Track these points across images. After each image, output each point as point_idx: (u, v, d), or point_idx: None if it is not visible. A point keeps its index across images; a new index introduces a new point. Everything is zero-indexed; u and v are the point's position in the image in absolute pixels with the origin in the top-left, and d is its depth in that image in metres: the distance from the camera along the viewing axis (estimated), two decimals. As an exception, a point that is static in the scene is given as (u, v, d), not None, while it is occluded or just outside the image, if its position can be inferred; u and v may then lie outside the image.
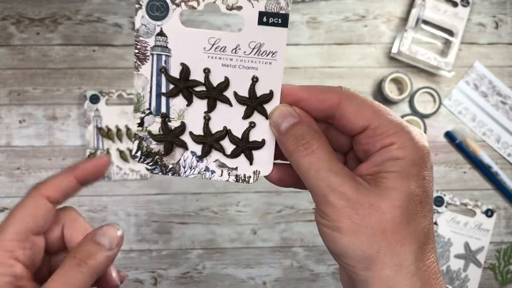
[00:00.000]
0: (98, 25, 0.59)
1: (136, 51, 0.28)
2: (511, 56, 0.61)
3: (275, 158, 0.28)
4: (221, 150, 0.29)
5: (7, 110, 0.59)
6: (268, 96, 0.28)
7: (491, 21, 0.61)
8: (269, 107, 0.28)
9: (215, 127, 0.29)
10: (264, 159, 0.29)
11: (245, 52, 0.28)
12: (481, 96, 0.61)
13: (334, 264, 0.60)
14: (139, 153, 0.29)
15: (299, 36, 0.60)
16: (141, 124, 0.29)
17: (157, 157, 0.29)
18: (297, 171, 0.25)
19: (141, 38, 0.27)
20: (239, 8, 0.27)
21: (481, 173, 0.61)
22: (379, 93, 0.60)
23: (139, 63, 0.28)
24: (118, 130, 0.58)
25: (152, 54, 0.28)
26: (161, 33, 0.27)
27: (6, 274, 0.25)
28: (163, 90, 0.28)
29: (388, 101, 0.60)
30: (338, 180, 0.23)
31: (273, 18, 0.27)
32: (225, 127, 0.29)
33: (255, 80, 0.28)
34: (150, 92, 0.28)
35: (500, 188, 0.60)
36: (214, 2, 0.26)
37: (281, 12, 0.27)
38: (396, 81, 0.60)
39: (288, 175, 0.27)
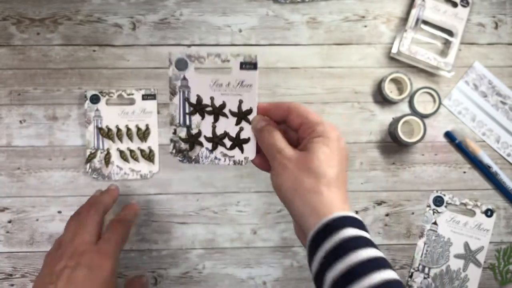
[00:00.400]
0: (98, 26, 0.59)
1: (170, 89, 0.46)
2: (511, 56, 0.61)
3: (257, 152, 0.44)
4: (223, 145, 0.46)
5: (7, 110, 0.59)
6: (249, 111, 0.45)
7: (491, 21, 0.61)
8: (250, 117, 0.45)
9: (219, 131, 0.46)
10: (250, 149, 0.45)
11: (233, 85, 0.45)
12: (481, 96, 0.61)
13: (334, 264, 0.60)
14: (174, 151, 0.47)
15: (299, 36, 0.60)
16: (174, 132, 0.47)
17: (185, 152, 0.47)
18: (263, 149, 0.41)
19: (173, 82, 0.45)
20: (228, 61, 0.44)
21: (481, 173, 0.61)
22: (379, 93, 0.60)
23: (172, 96, 0.46)
24: (119, 130, 0.59)
25: (179, 90, 0.46)
26: (184, 78, 0.45)
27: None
28: (187, 111, 0.46)
29: (388, 101, 0.60)
30: (282, 147, 0.39)
31: (248, 65, 0.44)
32: (225, 131, 0.46)
33: (241, 101, 0.45)
34: (179, 113, 0.46)
35: (500, 188, 0.60)
36: (214, 58, 0.44)
37: (252, 61, 0.44)
38: (396, 81, 0.61)
39: (265, 161, 0.42)
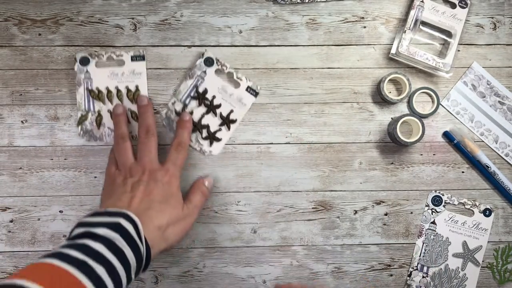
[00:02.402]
0: (99, 26, 0.60)
1: (190, 73, 0.59)
2: (509, 57, 0.62)
3: None
4: (200, 133, 0.59)
5: (9, 110, 0.59)
6: (234, 120, 0.59)
7: (489, 22, 0.62)
8: (232, 125, 0.59)
9: (204, 121, 0.58)
10: (217, 148, 0.59)
11: (234, 98, 0.58)
12: (479, 96, 0.62)
13: (333, 263, 0.60)
14: (164, 116, 0.59)
15: (298, 37, 0.60)
16: (174, 103, 0.58)
17: (171, 120, 0.59)
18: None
19: (195, 70, 0.59)
20: (241, 79, 0.59)
21: (479, 173, 0.61)
22: (378, 94, 0.61)
23: (189, 77, 0.59)
24: (109, 91, 0.59)
25: (196, 78, 0.58)
26: (205, 72, 0.59)
27: None
28: (192, 94, 0.59)
29: (386, 102, 0.60)
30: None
31: (252, 91, 0.59)
32: (208, 124, 0.58)
33: (231, 111, 0.59)
34: (187, 91, 0.59)
35: (498, 188, 0.61)
36: (231, 71, 0.59)
37: (256, 91, 0.59)
38: (395, 82, 0.61)
39: None
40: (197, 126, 0.58)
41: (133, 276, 0.45)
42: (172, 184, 0.52)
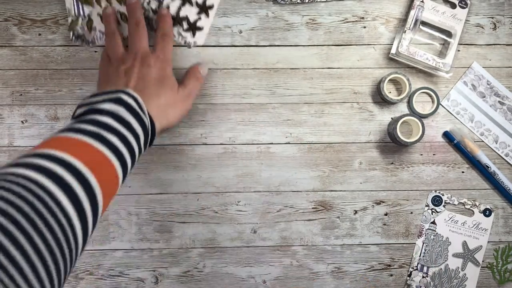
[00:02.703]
0: (99, 26, 0.60)
1: None
2: (509, 57, 0.62)
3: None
4: (181, 26, 0.58)
5: (9, 111, 0.59)
6: (211, 6, 0.58)
7: (489, 22, 0.62)
8: (210, 11, 0.58)
9: (181, 14, 0.58)
10: (201, 37, 0.59)
11: None
12: (479, 96, 0.62)
13: (334, 263, 0.60)
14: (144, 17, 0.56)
15: (298, 37, 0.61)
16: (149, 3, 0.57)
17: (150, 21, 0.58)
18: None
19: None
20: None
21: (479, 173, 0.61)
22: (378, 94, 0.61)
23: None
24: None
25: None
26: None
27: None
28: None
29: (386, 102, 0.60)
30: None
31: None
32: (186, 15, 0.58)
33: None
34: None
35: (498, 188, 0.61)
36: None
37: None
38: (395, 82, 0.61)
39: None
40: (176, 19, 0.57)
41: (142, 147, 0.46)
42: (165, 69, 0.52)
